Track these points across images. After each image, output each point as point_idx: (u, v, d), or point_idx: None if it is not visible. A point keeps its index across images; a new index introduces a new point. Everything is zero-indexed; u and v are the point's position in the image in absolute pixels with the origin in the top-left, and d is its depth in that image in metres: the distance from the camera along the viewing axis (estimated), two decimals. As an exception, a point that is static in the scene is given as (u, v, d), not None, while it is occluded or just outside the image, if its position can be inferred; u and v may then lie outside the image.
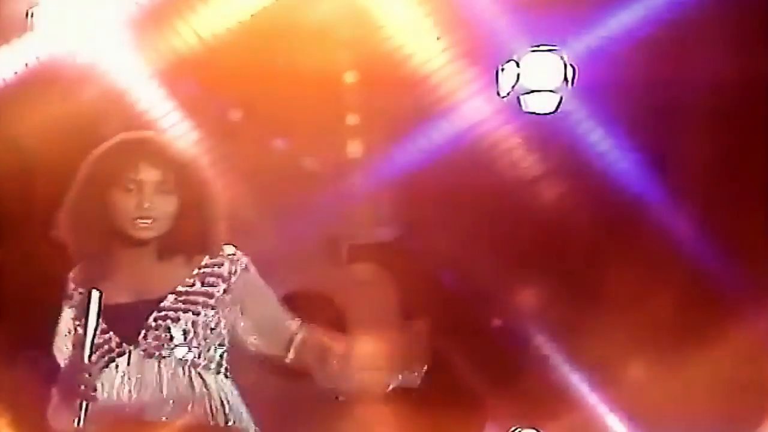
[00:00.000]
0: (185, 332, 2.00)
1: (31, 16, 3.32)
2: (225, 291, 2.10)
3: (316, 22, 4.39)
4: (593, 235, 4.69)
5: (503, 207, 4.64)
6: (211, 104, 4.24)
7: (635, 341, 4.64)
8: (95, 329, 1.93)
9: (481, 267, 4.70)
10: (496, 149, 4.50)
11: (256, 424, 2.10)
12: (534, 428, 4.47)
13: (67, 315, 2.09)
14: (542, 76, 4.38)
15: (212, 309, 2.06)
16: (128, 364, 2.01)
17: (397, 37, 4.36)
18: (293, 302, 5.14)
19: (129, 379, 2.01)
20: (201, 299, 2.04)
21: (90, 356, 1.91)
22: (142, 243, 2.07)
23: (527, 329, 4.65)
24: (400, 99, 4.55)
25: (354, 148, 4.94)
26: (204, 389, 2.03)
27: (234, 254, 2.16)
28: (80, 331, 1.98)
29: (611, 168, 4.58)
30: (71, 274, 2.16)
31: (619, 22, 4.43)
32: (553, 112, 4.44)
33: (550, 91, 4.42)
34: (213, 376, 2.07)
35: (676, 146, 4.61)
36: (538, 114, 4.46)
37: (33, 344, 3.83)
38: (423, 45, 4.39)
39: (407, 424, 4.77)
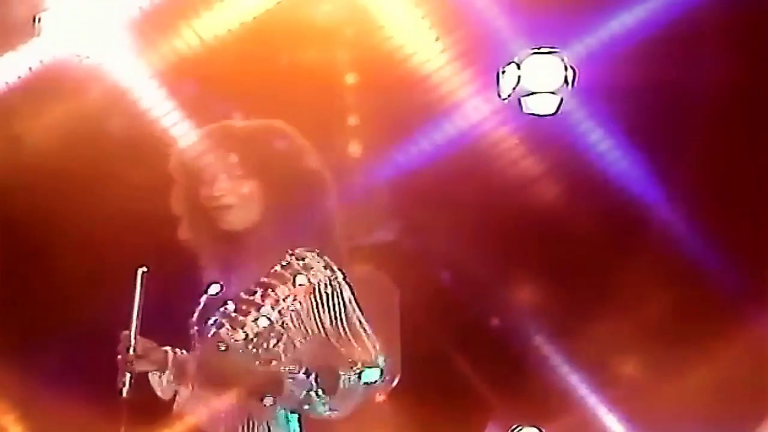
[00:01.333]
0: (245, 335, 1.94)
1: (38, 21, 3.35)
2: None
3: (318, 23, 4.40)
4: (593, 235, 4.70)
5: (503, 207, 4.65)
6: (212, 105, 4.26)
7: (635, 341, 4.66)
8: (139, 306, 1.91)
9: (480, 267, 4.72)
10: (496, 150, 4.51)
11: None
12: (535, 426, 4.48)
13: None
14: (543, 78, 4.38)
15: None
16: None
17: (398, 38, 4.37)
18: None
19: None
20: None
21: (137, 330, 1.91)
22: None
23: (527, 329, 4.66)
24: (401, 100, 4.54)
25: (354, 149, 4.96)
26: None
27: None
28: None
29: (611, 168, 4.58)
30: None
31: (619, 25, 4.44)
32: (554, 114, 4.42)
33: (551, 92, 4.41)
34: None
35: (676, 147, 4.62)
36: (539, 115, 4.46)
37: (39, 343, 3.90)
38: (424, 47, 4.40)
39: (409, 422, 4.80)
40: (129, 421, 1.92)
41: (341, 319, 1.88)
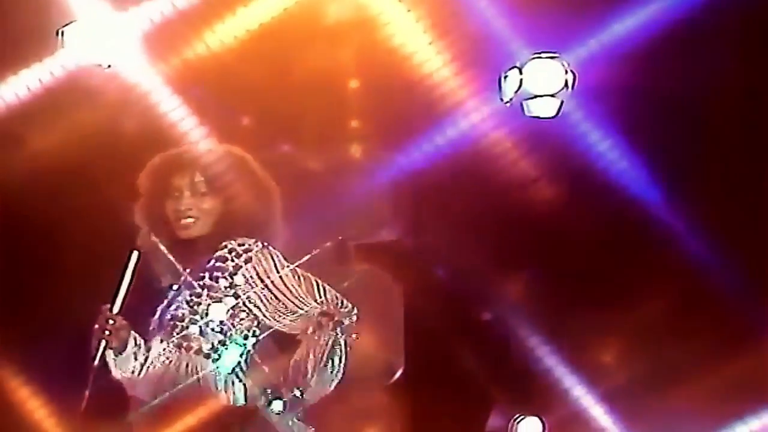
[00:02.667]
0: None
1: (62, 35, 3.62)
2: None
3: (324, 26, 4.52)
4: (593, 235, 4.79)
5: (504, 207, 4.75)
6: (222, 110, 4.42)
7: (634, 337, 4.74)
8: (129, 284, 2.11)
9: (480, 265, 4.83)
10: (497, 151, 4.61)
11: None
12: (537, 416, 4.57)
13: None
14: (544, 82, 4.45)
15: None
16: (163, 350, 2.24)
17: (401, 41, 4.49)
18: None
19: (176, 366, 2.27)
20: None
21: (121, 307, 2.11)
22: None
23: (527, 325, 4.75)
24: (403, 102, 4.66)
25: (358, 151, 5.09)
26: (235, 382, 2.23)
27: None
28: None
29: (610, 169, 4.67)
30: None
31: (618, 28, 4.52)
32: (555, 116, 4.50)
33: (552, 96, 4.50)
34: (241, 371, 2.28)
35: (675, 148, 4.68)
36: (540, 118, 4.55)
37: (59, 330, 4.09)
38: (426, 50, 4.51)
39: (412, 414, 4.92)
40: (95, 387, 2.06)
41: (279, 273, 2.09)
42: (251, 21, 4.22)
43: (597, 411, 4.63)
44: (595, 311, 4.71)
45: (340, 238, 5.32)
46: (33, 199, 4.13)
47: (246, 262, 2.15)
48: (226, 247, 2.19)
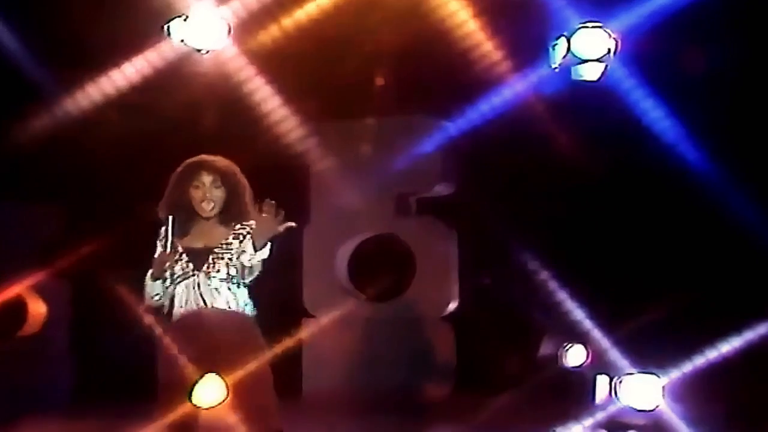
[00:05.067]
0: (226, 265, 3.32)
1: (168, 29, 4.47)
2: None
3: (384, 8, 5.02)
4: (631, 191, 5.18)
5: (547, 165, 5.18)
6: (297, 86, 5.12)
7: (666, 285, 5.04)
8: (172, 236, 3.26)
9: (526, 216, 5.33)
10: (544, 114, 5.07)
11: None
12: (582, 344, 4.97)
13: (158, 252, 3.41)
14: (589, 49, 4.83)
15: (236, 253, 3.34)
16: (197, 280, 3.32)
17: (462, 16, 4.97)
18: (368, 247, 5.92)
19: (196, 288, 3.31)
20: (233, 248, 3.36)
21: (171, 249, 3.26)
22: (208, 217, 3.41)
23: (570, 268, 5.20)
24: (459, 71, 5.08)
25: (418, 117, 5.65)
26: (232, 293, 3.31)
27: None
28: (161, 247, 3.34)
29: (650, 128, 5.04)
30: (162, 229, 3.39)
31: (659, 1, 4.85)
32: (599, 80, 4.84)
33: (596, 60, 4.92)
34: (237, 286, 3.32)
35: (714, 113, 4.81)
36: (586, 81, 4.97)
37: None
38: (484, 24, 5.00)
39: (469, 342, 5.44)
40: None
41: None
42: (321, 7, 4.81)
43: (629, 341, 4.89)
44: (634, 263, 5.04)
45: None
46: (144, 159, 5.01)
47: (248, 233, 3.28)
48: (238, 225, 3.34)
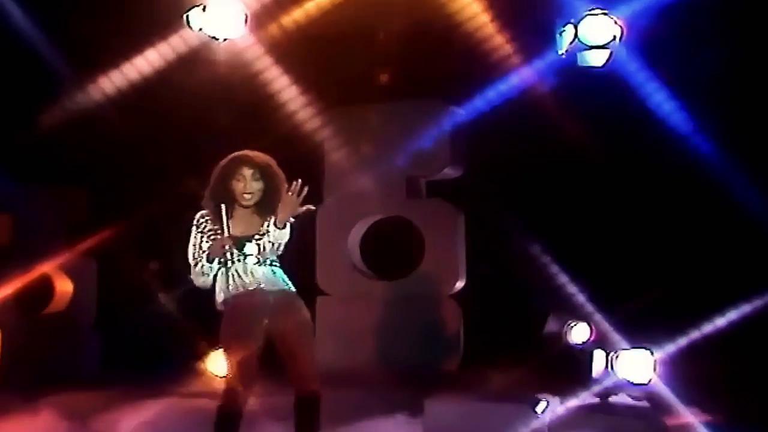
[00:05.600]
0: (263, 248, 3.65)
1: (187, 18, 4.70)
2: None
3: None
4: (637, 175, 5.30)
5: (551, 149, 5.33)
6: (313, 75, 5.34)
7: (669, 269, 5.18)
8: (228, 222, 3.59)
9: (531, 198, 5.49)
10: (549, 99, 5.23)
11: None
12: (587, 322, 5.08)
13: (197, 238, 3.70)
14: (595, 35, 5.02)
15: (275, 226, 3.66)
16: (243, 264, 3.66)
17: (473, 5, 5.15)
18: (382, 226, 6.12)
19: (240, 269, 3.66)
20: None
21: (228, 233, 3.60)
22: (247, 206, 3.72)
23: (575, 249, 5.36)
24: (471, 57, 5.26)
25: (428, 102, 5.82)
26: (272, 272, 3.67)
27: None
28: (207, 243, 3.66)
29: (654, 111, 5.16)
30: (199, 216, 3.70)
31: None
32: (604, 66, 5.03)
33: (602, 47, 5.07)
34: (274, 267, 3.68)
35: (718, 99, 4.90)
36: (591, 67, 5.12)
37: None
38: (491, 12, 5.17)
39: (475, 317, 5.64)
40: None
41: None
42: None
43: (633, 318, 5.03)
44: (637, 245, 5.16)
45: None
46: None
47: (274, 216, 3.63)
48: (269, 217, 3.67)
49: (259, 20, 4.81)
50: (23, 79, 5.31)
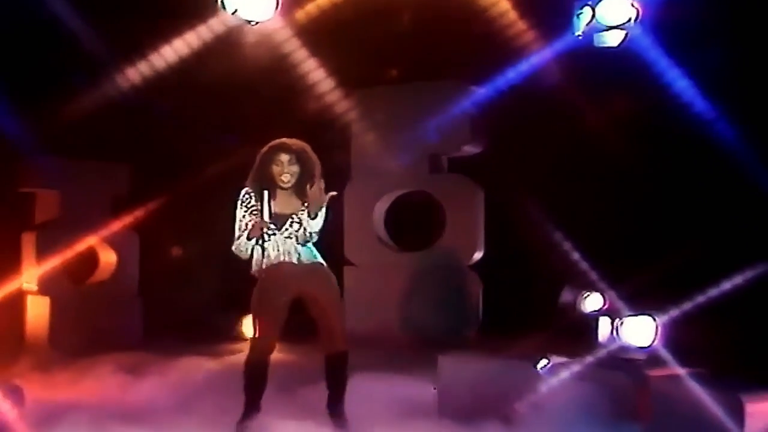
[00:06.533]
0: (299, 227, 4.00)
1: (222, 1, 5.01)
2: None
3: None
4: (654, 154, 5.41)
5: (568, 128, 5.53)
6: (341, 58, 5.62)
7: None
8: (269, 205, 3.97)
9: (548, 175, 5.71)
10: (571, 77, 5.43)
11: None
12: (599, 292, 5.27)
13: (242, 211, 4.04)
14: (612, 16, 5.19)
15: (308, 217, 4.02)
16: (278, 239, 4.02)
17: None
18: (405, 201, 6.38)
19: (278, 245, 4.03)
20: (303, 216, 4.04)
21: (269, 217, 3.98)
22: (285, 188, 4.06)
23: (589, 224, 5.56)
24: (491, 39, 5.49)
25: (449, 82, 6.07)
26: (304, 248, 4.03)
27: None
28: (249, 217, 3.99)
29: (669, 89, 5.33)
30: (244, 192, 4.03)
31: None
32: (619, 46, 5.19)
33: (618, 28, 5.25)
34: (307, 244, 4.04)
35: (733, 80, 4.95)
36: (608, 47, 5.31)
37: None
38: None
39: (493, 288, 5.89)
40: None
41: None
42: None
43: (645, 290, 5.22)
44: (651, 221, 5.33)
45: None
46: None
47: (306, 208, 4.00)
48: (304, 203, 4.04)
49: (289, 4, 5.10)
50: (68, 60, 5.59)
